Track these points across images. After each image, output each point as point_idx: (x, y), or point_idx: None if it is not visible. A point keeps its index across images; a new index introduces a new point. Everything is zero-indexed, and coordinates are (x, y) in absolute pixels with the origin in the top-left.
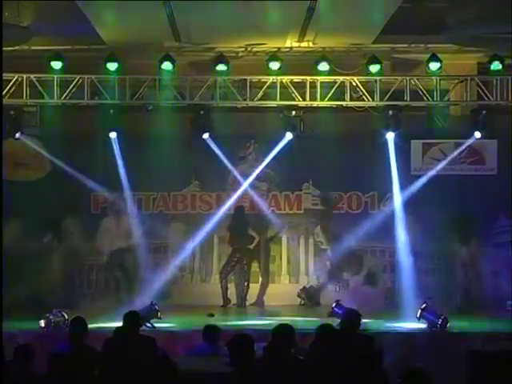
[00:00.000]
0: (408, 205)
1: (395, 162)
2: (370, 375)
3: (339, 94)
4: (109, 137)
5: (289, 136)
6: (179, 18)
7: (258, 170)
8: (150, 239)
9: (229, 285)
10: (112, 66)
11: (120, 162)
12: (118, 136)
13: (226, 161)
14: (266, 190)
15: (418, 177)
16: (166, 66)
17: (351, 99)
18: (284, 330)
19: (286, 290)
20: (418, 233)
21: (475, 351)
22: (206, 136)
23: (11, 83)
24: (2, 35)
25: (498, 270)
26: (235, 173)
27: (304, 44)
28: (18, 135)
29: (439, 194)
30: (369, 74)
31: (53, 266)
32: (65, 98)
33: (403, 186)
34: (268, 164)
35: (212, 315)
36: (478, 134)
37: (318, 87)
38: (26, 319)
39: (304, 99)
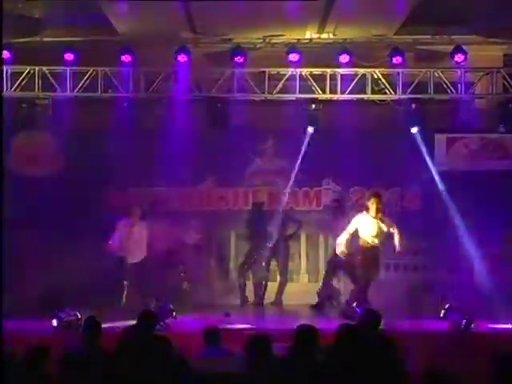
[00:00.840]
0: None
1: (418, 156)
2: (392, 377)
3: (360, 87)
4: (123, 130)
5: (310, 130)
6: (195, 9)
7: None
8: (165, 237)
9: (246, 283)
10: (126, 58)
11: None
12: (132, 130)
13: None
14: (284, 185)
15: (442, 172)
16: (182, 57)
17: (373, 92)
18: (307, 332)
19: (305, 288)
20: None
21: (502, 353)
22: (222, 130)
23: (23, 75)
24: (2, 34)
25: None
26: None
27: (324, 35)
28: (29, 129)
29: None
30: (391, 66)
31: (65, 265)
32: (78, 91)
33: (427, 181)
34: (286, 159)
35: (228, 314)
36: (504, 128)
37: (339, 80)
38: (39, 318)
39: (324, 92)
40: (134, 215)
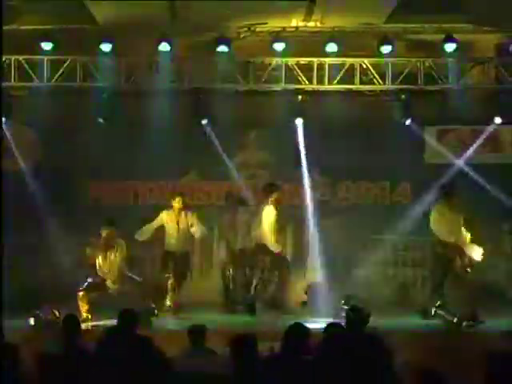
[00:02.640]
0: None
1: (407, 149)
2: (380, 376)
3: (348, 77)
4: (102, 122)
5: (298, 122)
6: None
7: None
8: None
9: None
10: (106, 47)
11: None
12: (112, 121)
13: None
14: (268, 179)
15: (432, 165)
16: (163, 47)
17: (361, 83)
18: (298, 331)
19: (292, 286)
20: None
21: (493, 351)
22: (204, 122)
23: None
24: (2, 34)
25: None
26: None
27: (311, 23)
28: (5, 121)
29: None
30: (380, 55)
31: (44, 261)
32: (55, 81)
33: (416, 175)
34: (271, 151)
35: None
36: (497, 120)
37: (326, 70)
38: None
39: (311, 83)
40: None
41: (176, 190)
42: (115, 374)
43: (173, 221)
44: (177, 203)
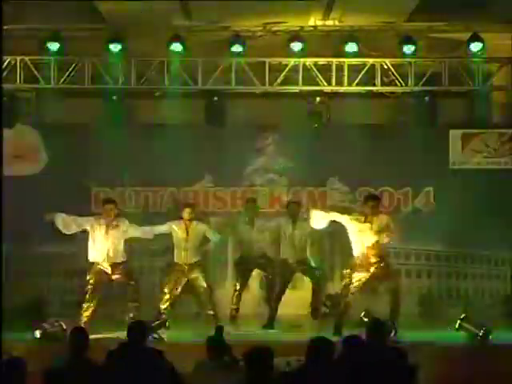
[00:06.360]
0: None
1: (430, 154)
2: None
3: (369, 79)
4: (111, 126)
5: (312, 125)
6: None
7: None
8: (158, 240)
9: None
10: (115, 48)
11: (124, 153)
12: (121, 125)
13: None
14: (286, 185)
15: (457, 171)
16: (176, 46)
17: (382, 84)
18: (322, 345)
19: (310, 297)
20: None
21: None
22: (217, 125)
23: (3, 66)
24: (2, 35)
25: None
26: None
27: (329, 22)
28: (10, 124)
29: None
30: (402, 55)
31: (48, 271)
32: (63, 83)
33: (441, 180)
34: (289, 156)
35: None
36: None
37: (346, 71)
38: (20, 329)
39: (329, 84)
40: None
41: (188, 197)
42: None
43: (183, 232)
44: (186, 214)
